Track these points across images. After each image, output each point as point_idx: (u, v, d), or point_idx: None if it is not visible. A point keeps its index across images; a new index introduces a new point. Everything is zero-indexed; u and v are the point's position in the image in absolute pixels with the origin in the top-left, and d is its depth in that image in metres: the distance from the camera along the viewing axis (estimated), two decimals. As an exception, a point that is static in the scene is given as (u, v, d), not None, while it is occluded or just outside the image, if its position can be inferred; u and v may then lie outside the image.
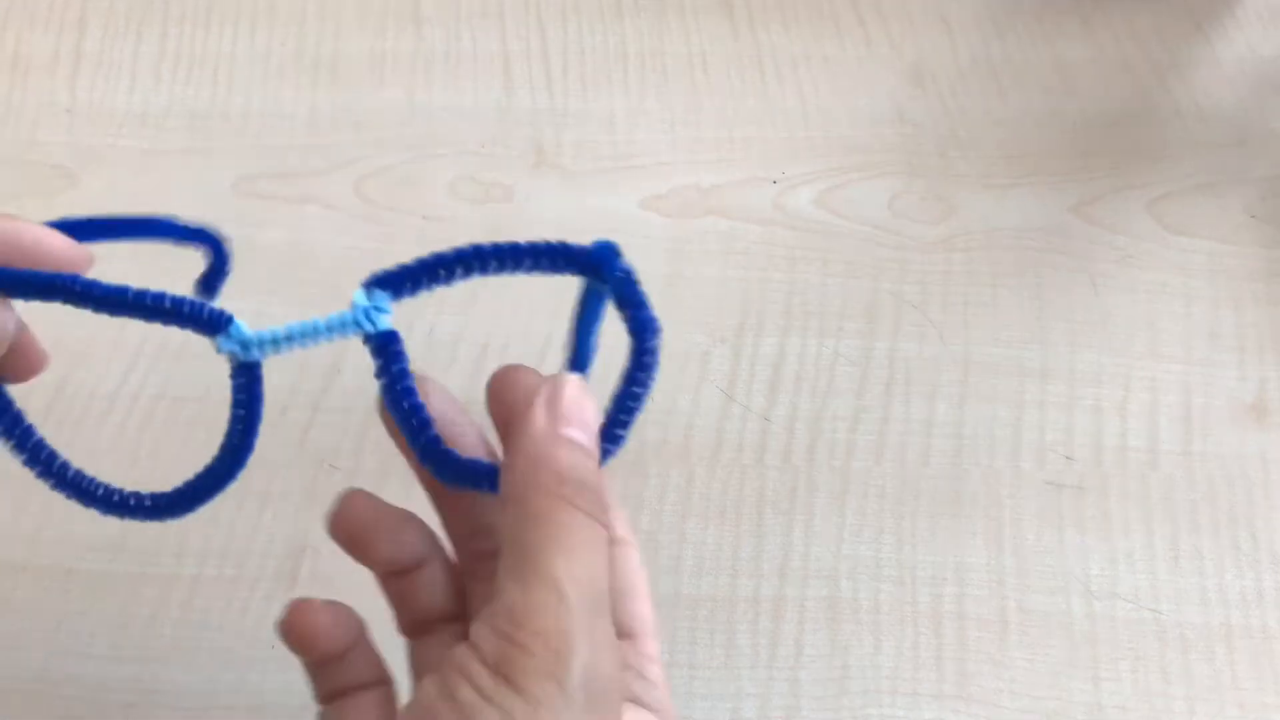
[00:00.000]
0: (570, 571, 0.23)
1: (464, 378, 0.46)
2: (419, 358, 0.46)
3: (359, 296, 0.28)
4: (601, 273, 0.28)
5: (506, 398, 0.29)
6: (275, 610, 0.41)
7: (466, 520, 0.31)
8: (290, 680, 0.39)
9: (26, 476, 0.44)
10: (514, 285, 0.48)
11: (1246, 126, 0.53)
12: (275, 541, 0.42)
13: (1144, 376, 0.46)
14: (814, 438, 0.44)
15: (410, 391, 0.29)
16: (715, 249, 0.49)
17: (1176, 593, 0.41)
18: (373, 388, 0.45)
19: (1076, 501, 0.43)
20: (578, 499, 0.24)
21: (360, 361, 0.46)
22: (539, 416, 0.25)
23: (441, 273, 0.28)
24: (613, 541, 0.27)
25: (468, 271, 0.28)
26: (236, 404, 0.30)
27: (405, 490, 0.43)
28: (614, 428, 0.27)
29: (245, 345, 0.29)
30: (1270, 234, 0.50)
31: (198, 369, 0.46)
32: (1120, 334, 0.47)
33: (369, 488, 0.43)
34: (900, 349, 0.46)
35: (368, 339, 0.28)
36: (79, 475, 0.32)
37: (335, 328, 0.28)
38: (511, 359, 0.46)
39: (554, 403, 0.25)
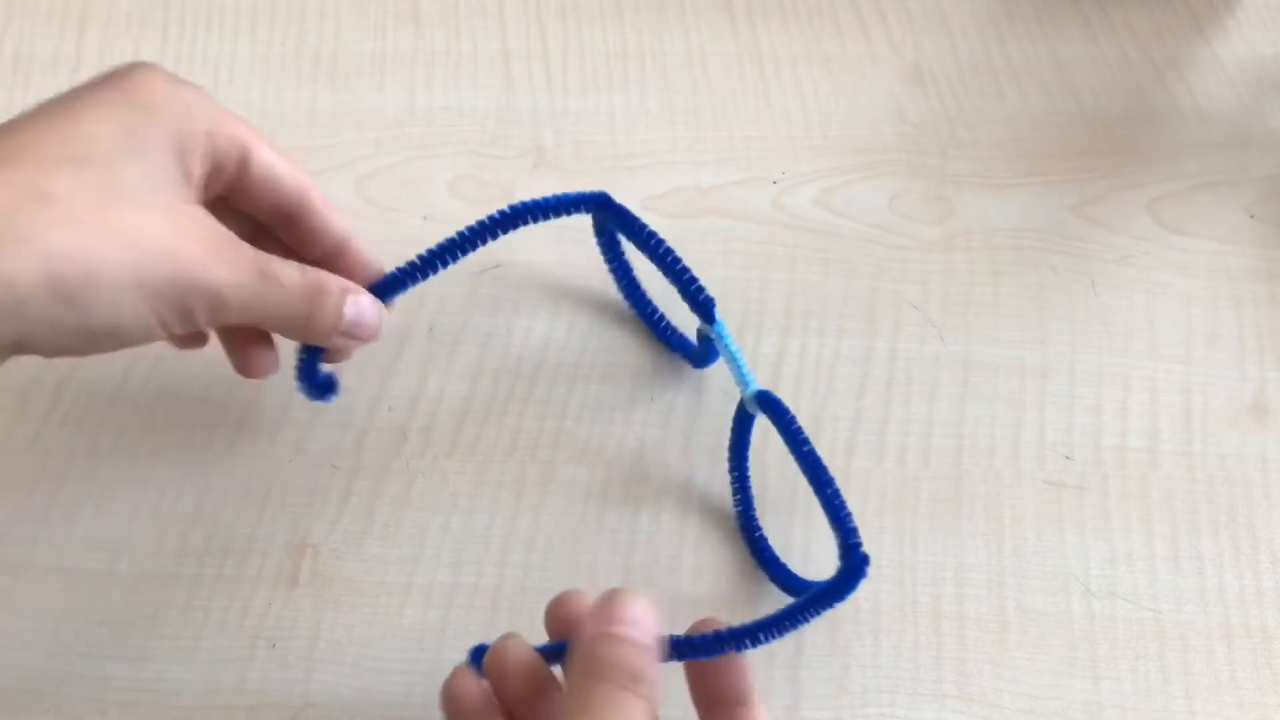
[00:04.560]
0: None
1: (464, 381, 0.46)
2: (419, 357, 0.46)
3: None
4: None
5: (563, 615, 0.35)
6: (275, 610, 0.41)
7: (708, 688, 0.35)
8: (290, 680, 0.39)
9: (28, 476, 0.44)
10: (515, 286, 0.48)
11: (1246, 126, 0.53)
12: (275, 541, 0.42)
13: (1144, 376, 0.46)
14: (814, 438, 0.44)
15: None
16: (715, 249, 0.49)
17: (1176, 592, 0.41)
18: (372, 387, 0.45)
19: (1076, 501, 0.43)
20: (619, 678, 0.30)
21: (359, 362, 0.46)
22: (590, 622, 0.31)
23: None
24: (751, 702, 0.34)
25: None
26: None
27: (406, 488, 0.43)
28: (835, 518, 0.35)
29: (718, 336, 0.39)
30: (1270, 234, 0.50)
31: (198, 369, 0.46)
32: (1120, 334, 0.47)
33: (368, 487, 0.43)
34: (900, 349, 0.46)
35: None
36: None
37: None
38: (511, 358, 0.46)
39: (606, 608, 0.31)
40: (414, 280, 0.39)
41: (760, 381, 0.45)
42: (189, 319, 0.33)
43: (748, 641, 0.33)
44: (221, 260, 0.33)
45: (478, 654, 0.35)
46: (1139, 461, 0.44)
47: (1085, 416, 0.45)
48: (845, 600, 0.34)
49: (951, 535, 0.42)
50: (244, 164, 0.36)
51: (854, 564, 0.34)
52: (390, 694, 0.39)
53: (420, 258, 0.39)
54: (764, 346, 0.46)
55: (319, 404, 0.45)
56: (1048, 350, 0.46)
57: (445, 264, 0.39)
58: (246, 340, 0.40)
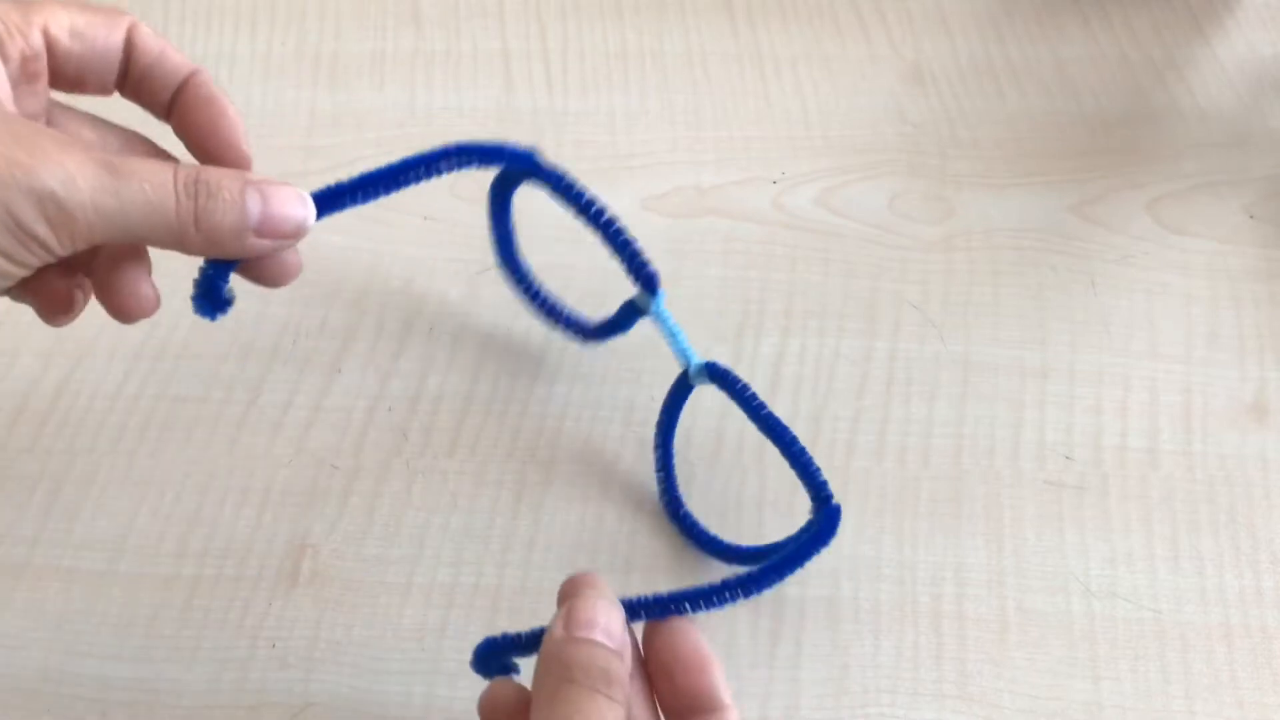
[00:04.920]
0: None
1: (465, 380, 0.46)
2: (419, 357, 0.46)
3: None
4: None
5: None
6: (275, 610, 0.41)
7: (677, 695, 0.33)
8: (290, 680, 0.39)
9: (28, 476, 0.44)
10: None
11: (1246, 126, 0.53)
12: (275, 541, 0.42)
13: (1144, 376, 0.46)
14: (814, 438, 0.44)
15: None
16: (715, 249, 0.49)
17: (1176, 592, 0.41)
18: (372, 387, 0.45)
19: (1076, 501, 0.43)
20: (591, 681, 0.29)
21: (361, 361, 0.46)
22: (556, 628, 0.31)
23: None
24: (722, 708, 0.32)
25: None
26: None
27: (406, 488, 0.43)
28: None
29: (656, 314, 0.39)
30: (1270, 234, 0.50)
31: (198, 369, 0.46)
32: (1120, 334, 0.47)
33: (368, 487, 0.43)
34: (900, 349, 0.46)
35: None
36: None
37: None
38: (511, 359, 0.46)
39: (571, 612, 0.31)
40: (327, 208, 0.34)
41: (760, 381, 0.45)
42: (33, 239, 0.29)
43: (730, 595, 0.33)
44: (46, 157, 0.28)
45: (481, 651, 0.35)
46: (1139, 461, 0.44)
47: (1085, 416, 0.45)
48: (827, 546, 0.35)
49: (951, 535, 0.42)
50: (53, 40, 0.33)
51: (828, 515, 0.35)
52: (390, 694, 0.39)
53: (339, 184, 0.35)
54: (764, 346, 0.46)
55: (318, 404, 0.45)
56: (1048, 350, 0.46)
57: (364, 197, 0.35)
58: (112, 266, 0.34)
